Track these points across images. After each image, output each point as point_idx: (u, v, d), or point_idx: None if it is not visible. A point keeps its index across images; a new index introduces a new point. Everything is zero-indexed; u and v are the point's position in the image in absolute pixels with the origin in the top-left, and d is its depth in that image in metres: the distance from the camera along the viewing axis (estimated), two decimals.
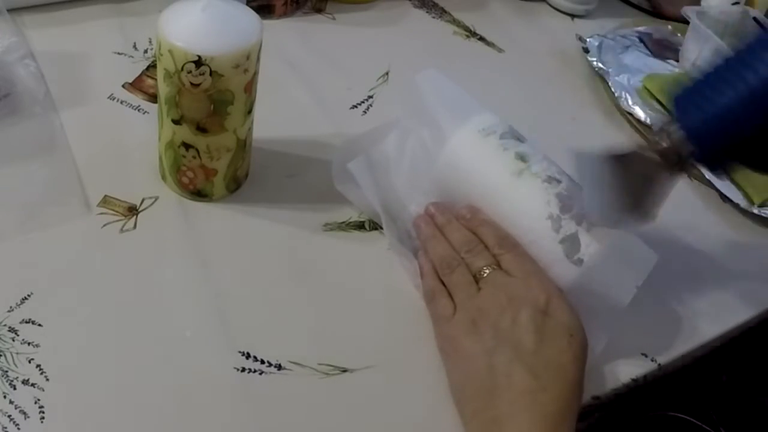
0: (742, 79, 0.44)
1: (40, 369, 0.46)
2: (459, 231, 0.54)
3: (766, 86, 0.44)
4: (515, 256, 0.51)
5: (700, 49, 0.78)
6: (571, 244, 0.50)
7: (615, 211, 0.49)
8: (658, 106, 0.75)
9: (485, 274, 0.51)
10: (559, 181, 0.52)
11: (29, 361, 0.46)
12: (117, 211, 0.56)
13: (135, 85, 0.66)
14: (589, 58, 0.79)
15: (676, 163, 0.48)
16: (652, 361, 0.54)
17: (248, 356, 0.49)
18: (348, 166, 0.56)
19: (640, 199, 0.49)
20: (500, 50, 0.81)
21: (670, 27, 0.88)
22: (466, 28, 0.83)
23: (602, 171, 0.49)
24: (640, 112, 0.74)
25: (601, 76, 0.78)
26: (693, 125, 0.46)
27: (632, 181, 0.49)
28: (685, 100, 0.47)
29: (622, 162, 0.49)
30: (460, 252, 0.53)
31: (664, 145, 0.47)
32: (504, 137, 0.55)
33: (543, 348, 0.46)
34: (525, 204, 0.52)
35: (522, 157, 0.53)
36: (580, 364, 0.47)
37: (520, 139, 0.55)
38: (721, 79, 0.46)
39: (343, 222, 0.59)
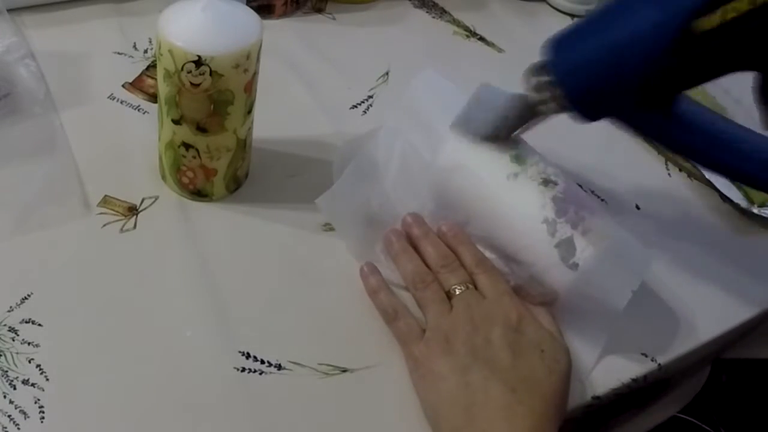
0: (614, 26, 0.44)
1: (40, 369, 0.46)
2: (436, 245, 0.54)
3: (634, 39, 0.43)
4: (490, 277, 0.51)
5: None
6: (566, 248, 0.50)
7: (480, 126, 0.52)
8: None
9: (458, 292, 0.51)
10: (555, 184, 0.52)
11: (29, 361, 0.46)
12: (117, 211, 0.56)
13: (135, 85, 0.66)
14: None
15: (549, 101, 0.48)
16: (652, 361, 0.54)
17: (248, 356, 0.49)
18: (316, 202, 0.55)
19: (508, 124, 0.52)
20: (500, 50, 0.81)
21: None
22: (466, 28, 0.83)
23: (493, 97, 0.53)
24: None
25: None
26: (562, 66, 0.47)
27: (511, 111, 0.52)
28: (563, 40, 0.48)
29: (516, 96, 0.51)
30: (435, 267, 0.53)
31: (537, 81, 0.48)
32: None
33: (518, 364, 0.46)
34: (520, 207, 0.52)
35: (518, 160, 0.53)
36: (556, 377, 0.47)
37: (516, 140, 0.55)
38: (596, 23, 0.46)
39: None
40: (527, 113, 0.51)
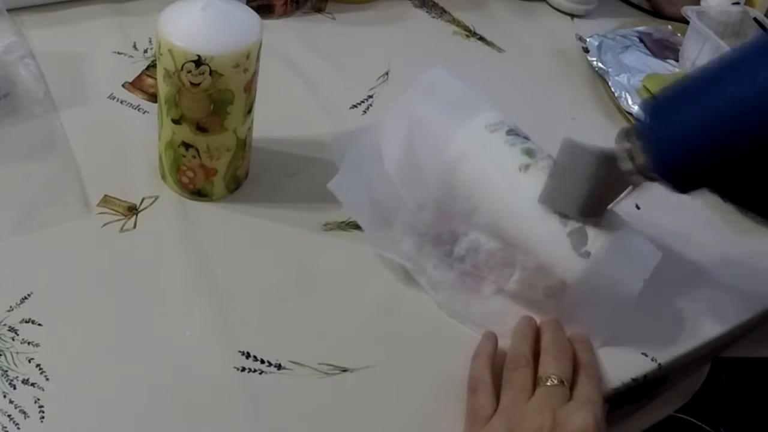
0: (712, 95, 0.41)
1: (40, 369, 0.46)
2: (560, 335, 0.51)
3: (736, 108, 0.40)
4: (590, 380, 0.49)
5: (700, 49, 0.78)
6: (578, 237, 0.50)
7: (570, 200, 0.50)
8: None
9: (549, 384, 0.47)
10: None
11: (29, 361, 0.46)
12: (117, 211, 0.56)
13: (135, 85, 0.66)
14: (589, 58, 0.79)
15: (638, 171, 0.46)
16: (652, 360, 0.54)
17: (248, 356, 0.49)
18: (328, 186, 0.55)
19: (599, 196, 0.49)
20: (500, 50, 0.81)
21: (670, 27, 0.88)
22: (466, 28, 0.84)
23: (581, 161, 0.49)
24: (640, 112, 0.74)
25: (601, 76, 0.78)
26: (656, 136, 0.44)
27: (601, 178, 0.49)
28: (657, 107, 0.45)
29: (603, 157, 0.48)
30: (546, 348, 0.50)
31: (626, 148, 0.46)
32: (510, 134, 0.55)
33: None
34: (532, 197, 0.52)
35: (528, 153, 0.54)
36: None
37: (526, 137, 0.55)
38: (693, 92, 0.43)
39: (343, 222, 0.59)
40: (617, 182, 0.47)
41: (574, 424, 0.45)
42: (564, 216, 0.50)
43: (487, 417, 0.47)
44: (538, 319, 0.53)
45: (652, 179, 0.46)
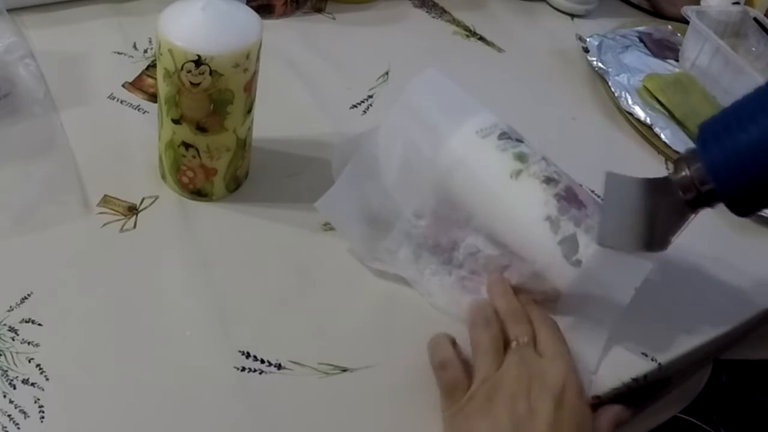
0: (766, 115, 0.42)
1: (40, 369, 0.46)
2: (510, 302, 0.52)
3: None
4: (552, 334, 0.50)
5: (700, 49, 0.78)
6: (569, 245, 0.50)
7: (630, 235, 0.49)
8: (658, 106, 0.75)
9: (515, 345, 0.49)
10: (557, 182, 0.52)
11: (29, 361, 0.46)
12: (117, 211, 0.56)
13: (135, 85, 0.66)
14: (589, 58, 0.79)
15: (695, 197, 0.46)
16: (652, 360, 0.54)
17: (248, 356, 0.49)
18: (315, 205, 0.54)
19: (658, 227, 0.48)
20: (500, 50, 0.81)
21: (670, 27, 0.88)
22: (466, 28, 0.84)
23: (629, 194, 0.49)
24: (640, 112, 0.74)
25: (601, 76, 0.78)
26: (713, 160, 0.44)
27: (655, 208, 0.48)
28: (710, 131, 0.45)
29: (651, 187, 0.48)
30: (504, 317, 0.51)
31: (683, 175, 0.46)
32: (502, 138, 0.54)
33: None
34: (523, 205, 0.52)
35: (520, 158, 0.53)
36: None
37: (519, 139, 0.55)
38: (748, 114, 0.43)
39: None
40: (672, 211, 0.47)
41: (551, 374, 0.46)
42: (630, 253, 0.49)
43: (464, 388, 0.47)
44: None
45: (711, 206, 0.46)
